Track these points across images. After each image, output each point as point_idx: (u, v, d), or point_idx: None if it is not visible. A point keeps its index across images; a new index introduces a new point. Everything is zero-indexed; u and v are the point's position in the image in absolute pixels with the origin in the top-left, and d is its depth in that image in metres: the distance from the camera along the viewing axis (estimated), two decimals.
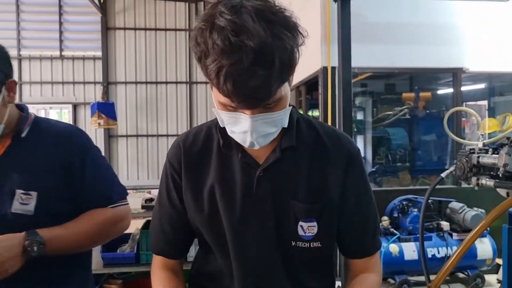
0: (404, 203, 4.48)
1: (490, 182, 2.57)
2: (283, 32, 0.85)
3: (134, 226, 4.91)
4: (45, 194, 1.24)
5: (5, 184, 1.23)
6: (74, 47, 8.99)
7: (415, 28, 4.94)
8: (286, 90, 0.93)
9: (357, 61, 4.38)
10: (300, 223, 1.03)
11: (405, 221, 4.44)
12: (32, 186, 1.24)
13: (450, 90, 5.85)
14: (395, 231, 4.36)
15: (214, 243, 1.09)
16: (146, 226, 4.44)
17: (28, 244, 1.14)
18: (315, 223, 1.04)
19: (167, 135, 9.18)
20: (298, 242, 1.05)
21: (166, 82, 9.18)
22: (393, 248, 4.24)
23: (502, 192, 2.69)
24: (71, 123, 8.99)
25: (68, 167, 1.28)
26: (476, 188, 2.73)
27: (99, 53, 8.89)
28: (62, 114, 8.90)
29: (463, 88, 5.76)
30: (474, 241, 2.39)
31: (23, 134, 1.27)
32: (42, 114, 8.60)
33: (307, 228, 1.04)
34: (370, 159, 6.75)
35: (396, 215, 4.53)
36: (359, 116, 7.08)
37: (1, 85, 1.19)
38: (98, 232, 1.32)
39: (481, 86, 7.17)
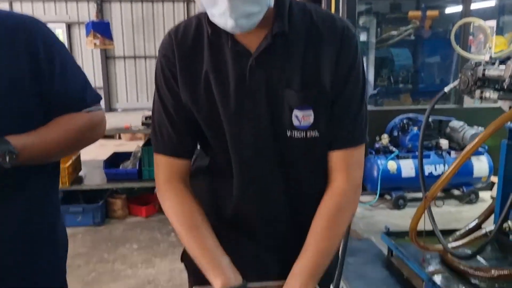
0: (404, 121, 4.49)
1: (494, 95, 2.53)
2: None
3: (135, 144, 4.98)
4: (10, 88, 1.09)
5: None
6: None
7: None
8: None
9: None
10: (295, 112, 1.00)
11: (404, 139, 4.47)
12: None
13: (459, 8, 5.61)
14: (394, 148, 4.41)
15: (214, 138, 1.08)
16: (147, 143, 4.50)
17: (0, 154, 1.00)
18: (311, 111, 1.00)
19: None
20: (293, 132, 1.02)
21: (163, 0, 8.79)
22: (391, 165, 4.31)
23: (505, 105, 2.66)
24: (66, 43, 8.77)
25: (34, 61, 1.11)
26: (479, 101, 2.70)
27: None
28: (56, 34, 8.61)
29: (472, 6, 5.49)
30: (473, 151, 2.40)
31: None
32: None
33: (302, 118, 1.00)
34: (372, 80, 6.65)
35: (396, 133, 4.55)
36: (363, 37, 6.83)
37: None
38: (74, 139, 1.19)
39: (491, 3, 6.85)
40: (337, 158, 1.07)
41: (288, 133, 1.02)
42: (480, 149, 4.49)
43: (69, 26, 8.66)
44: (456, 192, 4.75)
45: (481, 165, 4.44)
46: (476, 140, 2.37)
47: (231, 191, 1.09)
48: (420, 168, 2.65)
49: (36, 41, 1.10)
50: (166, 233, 3.88)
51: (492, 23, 7.17)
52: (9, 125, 1.07)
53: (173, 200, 1.08)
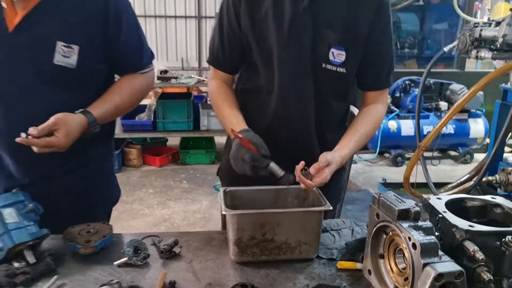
0: (407, 82, 4.68)
1: (488, 54, 2.73)
2: None
3: (150, 101, 5.20)
4: (84, 49, 1.22)
5: (47, 33, 1.20)
6: None
7: None
8: None
9: None
10: (332, 49, 1.26)
11: (406, 100, 4.67)
12: (73, 38, 1.21)
13: None
14: (395, 108, 4.62)
15: (262, 58, 1.31)
16: (161, 96, 4.73)
17: (89, 126, 1.23)
18: (343, 52, 1.26)
19: (175, 17, 9.03)
20: (327, 65, 1.27)
21: None
22: (392, 124, 4.54)
23: (499, 64, 2.86)
24: None
25: (105, 23, 1.25)
26: (480, 65, 2.88)
27: None
28: None
29: None
30: (467, 101, 2.63)
31: None
32: None
33: (337, 55, 1.26)
34: None
35: (398, 94, 4.75)
36: None
37: None
38: (135, 100, 1.39)
39: None
40: (372, 96, 1.41)
41: (323, 65, 1.28)
42: (478, 112, 4.70)
43: None
44: (452, 153, 5.00)
45: (477, 127, 4.67)
46: (470, 91, 2.59)
47: (269, 106, 1.34)
48: (417, 120, 2.87)
49: (108, 4, 1.24)
50: (178, 181, 4.16)
51: None
52: (84, 79, 1.27)
53: (216, 85, 1.40)
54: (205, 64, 8.95)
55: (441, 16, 6.94)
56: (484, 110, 4.68)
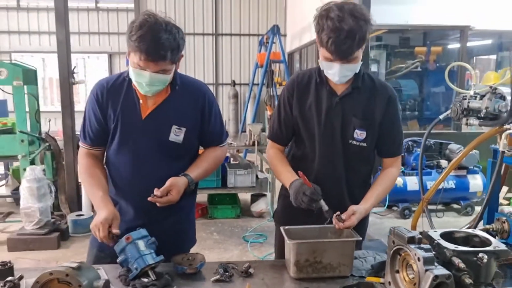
0: (409, 143, 5.24)
1: (475, 122, 3.29)
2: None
3: None
4: (188, 130, 1.74)
5: (167, 120, 1.72)
6: None
7: None
8: (359, 54, 1.69)
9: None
10: (356, 130, 1.81)
11: (409, 159, 5.22)
12: (182, 123, 1.74)
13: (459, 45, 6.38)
14: (401, 167, 5.15)
15: (307, 136, 1.87)
16: None
17: (189, 183, 1.73)
18: (364, 132, 1.82)
19: None
20: (353, 141, 1.83)
21: (194, 34, 9.74)
22: (398, 180, 5.03)
23: (486, 130, 3.41)
24: (107, 71, 9.72)
25: (202, 113, 1.78)
26: (466, 126, 3.42)
27: (131, 5, 9.41)
28: (99, 63, 9.60)
29: (474, 43, 6.21)
30: (460, 160, 3.15)
31: (177, 87, 1.75)
32: (80, 63, 9.30)
33: (359, 134, 1.82)
34: None
35: (402, 154, 5.30)
36: (374, 68, 7.56)
37: (176, 62, 1.66)
38: (216, 166, 1.91)
39: (489, 41, 7.62)
40: (388, 162, 1.94)
41: (350, 141, 1.84)
42: (475, 169, 5.21)
43: (110, 56, 9.65)
44: (455, 206, 5.46)
45: (476, 182, 5.17)
46: (463, 152, 3.12)
47: (311, 169, 1.87)
48: (420, 176, 3.39)
49: (205, 100, 1.80)
50: (209, 233, 4.62)
51: (494, 57, 7.97)
52: (185, 151, 1.79)
53: (274, 152, 1.97)
54: None
55: (437, 81, 7.60)
56: (481, 167, 5.19)
